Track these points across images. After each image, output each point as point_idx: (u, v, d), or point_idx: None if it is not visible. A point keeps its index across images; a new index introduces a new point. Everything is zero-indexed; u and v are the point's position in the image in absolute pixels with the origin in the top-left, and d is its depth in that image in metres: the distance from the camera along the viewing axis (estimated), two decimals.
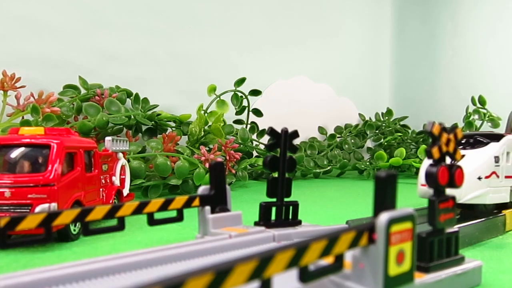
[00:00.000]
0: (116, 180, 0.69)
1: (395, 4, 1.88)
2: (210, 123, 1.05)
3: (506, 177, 0.58)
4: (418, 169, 1.08)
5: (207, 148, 1.02)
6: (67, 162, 0.54)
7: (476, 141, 0.59)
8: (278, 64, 1.50)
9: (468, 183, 0.48)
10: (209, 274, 0.20)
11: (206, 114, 1.09)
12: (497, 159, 0.56)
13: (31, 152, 0.53)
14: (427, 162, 0.46)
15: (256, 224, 0.47)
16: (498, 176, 0.56)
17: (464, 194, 0.53)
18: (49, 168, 0.51)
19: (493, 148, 0.57)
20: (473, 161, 0.55)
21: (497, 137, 0.59)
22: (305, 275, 0.25)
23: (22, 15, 1.02)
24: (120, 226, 0.39)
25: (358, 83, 1.76)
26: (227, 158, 0.99)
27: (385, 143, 1.49)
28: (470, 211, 0.59)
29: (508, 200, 0.59)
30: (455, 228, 0.37)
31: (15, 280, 0.29)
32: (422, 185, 0.54)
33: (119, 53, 1.16)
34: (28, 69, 0.98)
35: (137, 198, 0.84)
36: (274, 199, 0.48)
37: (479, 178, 0.54)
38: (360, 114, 1.67)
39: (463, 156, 0.46)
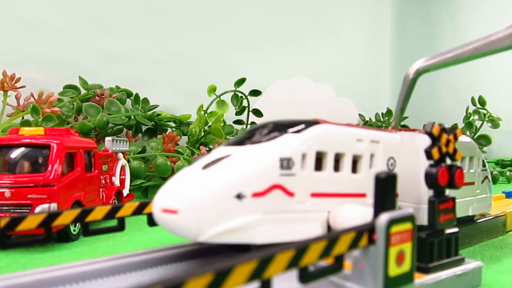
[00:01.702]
0: (116, 180, 0.69)
1: (395, 4, 1.88)
2: (210, 124, 1.05)
3: (316, 195, 0.33)
4: None
5: (207, 149, 1.02)
6: (67, 163, 0.54)
7: (266, 132, 0.34)
8: (278, 64, 1.50)
9: (213, 205, 0.28)
10: (209, 275, 0.20)
11: (206, 115, 1.09)
12: (287, 164, 0.31)
13: (31, 152, 0.53)
14: (188, 169, 0.32)
15: None
16: (290, 194, 0.32)
17: (205, 225, 0.28)
18: (49, 168, 0.51)
19: (283, 144, 0.32)
20: (231, 167, 0.31)
21: (308, 126, 0.34)
22: (305, 276, 0.25)
23: (22, 15, 1.02)
24: (120, 227, 0.39)
25: (358, 84, 1.76)
26: None
27: None
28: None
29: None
30: (455, 228, 0.37)
31: (15, 281, 0.29)
32: (166, 210, 0.29)
33: (119, 54, 1.16)
34: (28, 69, 0.98)
35: (137, 198, 0.84)
36: None
37: (239, 197, 0.29)
38: (360, 115, 1.67)
39: (227, 156, 0.32)
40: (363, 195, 0.36)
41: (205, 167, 0.31)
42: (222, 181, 0.29)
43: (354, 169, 0.36)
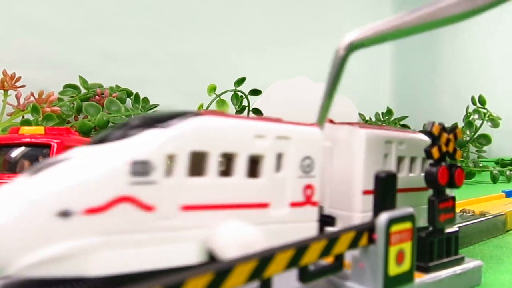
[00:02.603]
0: None
1: (395, 4, 1.88)
2: None
3: (190, 207, 0.25)
4: None
5: None
6: None
7: (128, 128, 0.26)
8: (278, 64, 1.50)
9: (24, 227, 0.21)
10: (209, 274, 0.20)
11: None
12: (142, 168, 0.24)
13: (31, 152, 0.53)
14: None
15: None
16: (147, 208, 0.24)
17: (13, 253, 0.21)
18: None
19: (139, 142, 0.24)
20: (59, 174, 0.23)
21: (180, 119, 0.26)
22: (305, 275, 0.25)
23: (22, 15, 1.02)
24: None
25: (358, 83, 1.76)
26: None
27: None
28: None
29: (195, 262, 0.25)
30: (455, 228, 0.37)
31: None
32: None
33: (119, 53, 1.16)
34: (28, 69, 0.98)
35: None
36: None
37: (65, 214, 0.21)
38: (360, 114, 1.67)
39: (65, 159, 0.24)
40: (264, 205, 0.28)
41: (33, 173, 0.23)
42: (40, 194, 0.22)
43: (254, 173, 0.28)
